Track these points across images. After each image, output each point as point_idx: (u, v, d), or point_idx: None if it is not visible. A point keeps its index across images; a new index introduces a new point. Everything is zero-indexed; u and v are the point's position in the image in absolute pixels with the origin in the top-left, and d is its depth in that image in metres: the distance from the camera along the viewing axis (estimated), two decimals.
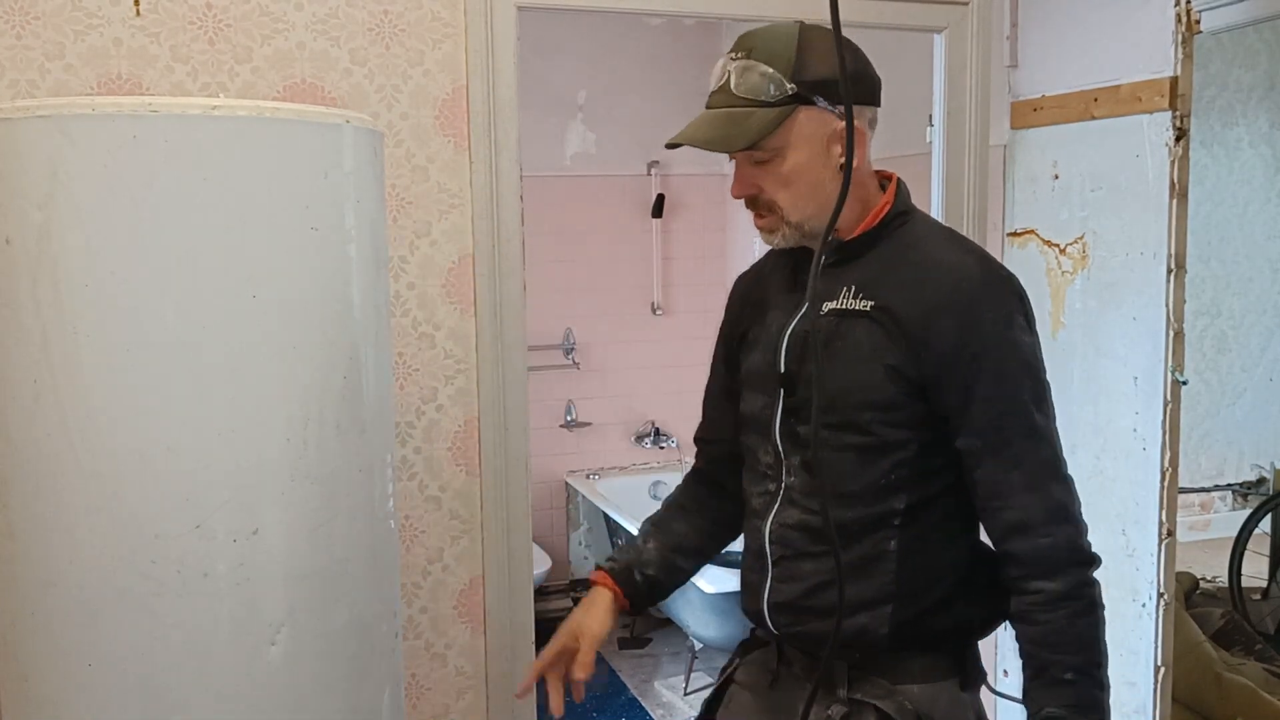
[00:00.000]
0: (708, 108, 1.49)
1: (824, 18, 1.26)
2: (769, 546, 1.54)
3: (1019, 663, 1.50)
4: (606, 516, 4.42)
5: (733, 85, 1.45)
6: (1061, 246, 2.60)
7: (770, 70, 1.44)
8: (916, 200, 1.58)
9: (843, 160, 1.41)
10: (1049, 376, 1.50)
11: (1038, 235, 2.67)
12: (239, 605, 1.49)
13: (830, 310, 1.48)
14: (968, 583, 1.52)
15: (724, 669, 1.71)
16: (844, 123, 1.41)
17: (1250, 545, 3.83)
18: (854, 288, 1.47)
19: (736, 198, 1.51)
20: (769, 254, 1.64)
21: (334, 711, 1.61)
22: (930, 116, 2.73)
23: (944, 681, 1.52)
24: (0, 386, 1.47)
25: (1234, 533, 3.88)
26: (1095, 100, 2.48)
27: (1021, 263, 2.72)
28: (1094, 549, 1.46)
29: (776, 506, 1.53)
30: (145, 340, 1.43)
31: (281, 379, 1.51)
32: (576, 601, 4.67)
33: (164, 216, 1.42)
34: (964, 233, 2.67)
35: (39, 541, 1.47)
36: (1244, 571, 3.82)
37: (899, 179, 1.55)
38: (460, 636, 2.31)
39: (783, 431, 1.52)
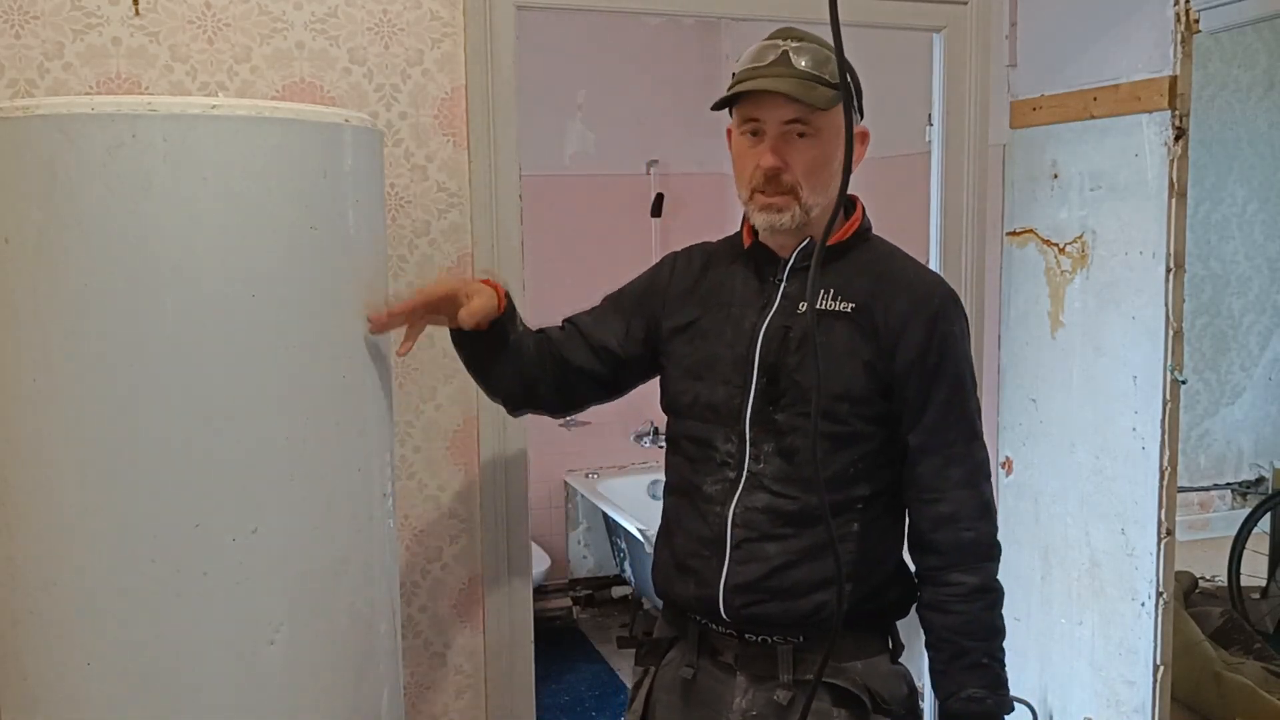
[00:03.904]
0: (761, 76, 1.55)
1: (824, 17, 1.26)
2: (730, 530, 1.61)
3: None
4: (606, 515, 4.42)
5: (795, 61, 1.54)
6: (1061, 246, 2.61)
7: (830, 55, 1.54)
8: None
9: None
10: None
11: (1037, 234, 2.67)
12: (238, 604, 1.49)
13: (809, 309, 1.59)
14: (899, 567, 1.69)
15: (637, 685, 1.76)
16: (859, 132, 1.58)
17: (1249, 544, 3.83)
18: (833, 291, 1.60)
19: (768, 169, 1.57)
20: (712, 251, 1.78)
21: (333, 711, 1.61)
22: (929, 116, 2.73)
23: (878, 656, 1.67)
24: (0, 386, 1.47)
25: (1233, 532, 3.88)
26: (1094, 99, 2.48)
27: (1020, 262, 2.72)
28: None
29: (740, 492, 1.61)
30: (145, 340, 1.43)
31: (281, 379, 1.51)
32: (576, 601, 4.71)
33: (164, 216, 1.42)
34: (963, 232, 2.69)
35: (39, 541, 1.47)
36: (1243, 570, 3.82)
37: (860, 200, 1.70)
38: (459, 636, 2.31)
39: (755, 420, 1.60)
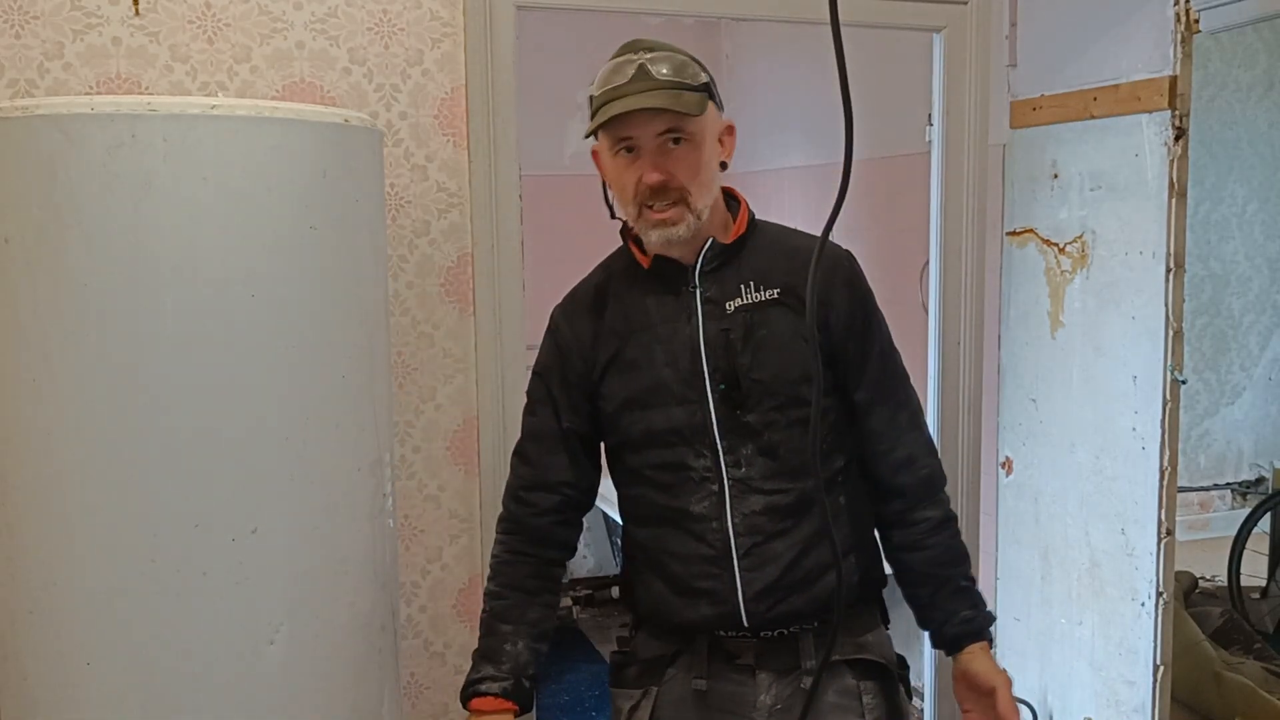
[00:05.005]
0: (623, 95, 1.51)
1: (824, 17, 1.26)
2: (735, 540, 1.60)
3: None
4: (605, 516, 4.43)
5: (654, 72, 1.51)
6: (1061, 246, 2.60)
7: (688, 58, 1.54)
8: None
9: (722, 159, 1.60)
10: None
11: (1037, 234, 2.67)
12: (238, 604, 1.49)
13: (739, 307, 1.60)
14: (874, 531, 1.73)
15: (634, 707, 1.73)
16: (726, 125, 1.60)
17: (1249, 544, 3.83)
18: (753, 283, 1.61)
19: (653, 184, 1.54)
20: (599, 283, 1.73)
21: (333, 710, 1.61)
22: (929, 116, 2.73)
23: (881, 626, 1.73)
24: (0, 386, 1.47)
25: (1233, 532, 3.87)
26: (1094, 99, 2.48)
27: (1021, 262, 2.72)
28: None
29: (730, 501, 1.60)
30: (145, 340, 1.43)
31: (281, 379, 1.51)
32: (576, 601, 4.71)
33: (163, 216, 1.42)
34: (963, 232, 2.69)
35: (39, 540, 1.47)
36: (1243, 570, 3.82)
37: (736, 189, 1.69)
38: (459, 636, 2.31)
39: (724, 429, 1.59)
